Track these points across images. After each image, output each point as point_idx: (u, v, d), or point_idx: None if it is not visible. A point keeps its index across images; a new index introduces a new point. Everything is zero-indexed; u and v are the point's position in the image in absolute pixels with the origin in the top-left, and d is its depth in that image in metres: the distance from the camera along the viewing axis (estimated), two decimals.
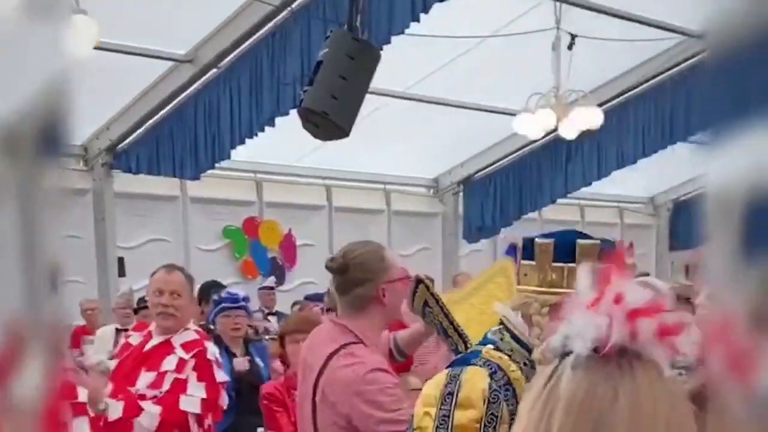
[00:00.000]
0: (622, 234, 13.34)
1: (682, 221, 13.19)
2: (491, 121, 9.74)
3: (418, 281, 3.07)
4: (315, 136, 5.49)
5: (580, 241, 2.17)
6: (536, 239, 2.22)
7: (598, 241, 2.17)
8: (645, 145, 9.96)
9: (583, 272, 1.19)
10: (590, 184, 10.66)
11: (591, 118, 8.75)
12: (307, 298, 8.66)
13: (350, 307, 3.03)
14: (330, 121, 5.22)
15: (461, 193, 11.26)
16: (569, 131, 8.88)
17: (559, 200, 11.24)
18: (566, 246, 2.17)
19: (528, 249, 2.21)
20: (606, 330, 1.12)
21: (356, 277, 3.02)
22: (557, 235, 2.21)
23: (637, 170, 10.85)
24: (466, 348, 2.77)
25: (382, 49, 5.93)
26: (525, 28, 7.95)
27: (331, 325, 3.13)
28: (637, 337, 1.13)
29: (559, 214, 12.40)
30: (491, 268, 3.59)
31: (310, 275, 9.95)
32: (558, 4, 7.83)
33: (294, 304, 8.62)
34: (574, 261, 2.12)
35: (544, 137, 9.44)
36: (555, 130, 8.89)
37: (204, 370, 4.03)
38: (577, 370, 1.13)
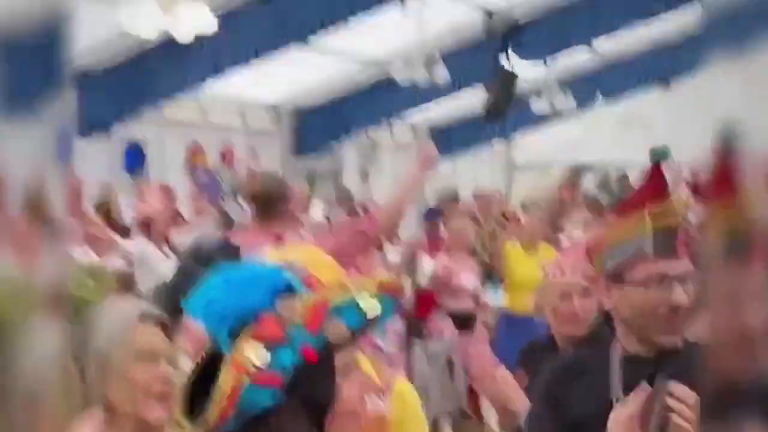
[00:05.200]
0: (246, 138, 13.29)
1: (306, 126, 13.33)
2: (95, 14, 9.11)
3: None
4: None
5: None
6: None
7: None
8: (260, 46, 9.84)
9: None
10: (206, 82, 10.44)
11: (204, 20, 8.53)
12: None
13: None
14: None
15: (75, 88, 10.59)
16: (181, 32, 8.60)
17: (179, 99, 10.95)
18: None
19: None
20: None
21: None
22: None
23: (258, 75, 10.75)
24: None
25: None
26: None
27: None
28: None
29: (180, 113, 12.10)
30: None
31: None
32: None
33: None
34: None
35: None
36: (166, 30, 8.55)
37: None
38: None
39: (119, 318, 2.22)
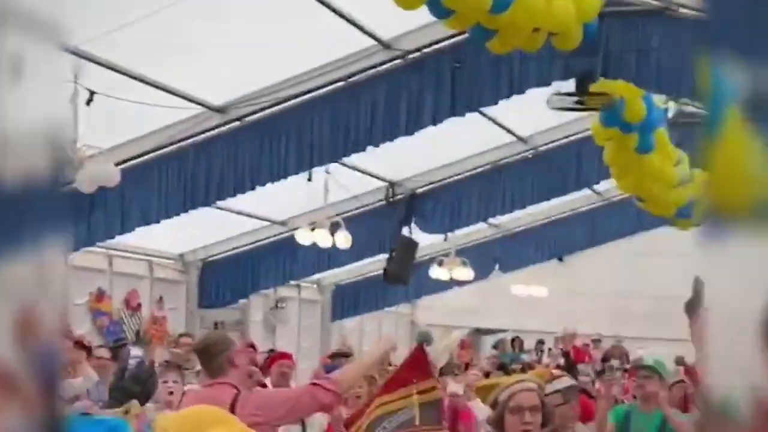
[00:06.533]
0: (152, 287, 13.45)
1: (211, 280, 13.57)
2: None
3: None
4: None
5: None
6: None
7: None
8: (168, 206, 10.14)
9: None
10: (113, 237, 10.66)
11: (107, 174, 8.79)
12: None
13: None
14: None
15: None
16: (86, 185, 8.84)
17: (86, 248, 11.11)
18: None
19: None
20: None
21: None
22: None
23: (167, 227, 11.01)
24: None
25: None
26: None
27: None
28: None
29: (87, 261, 12.25)
30: None
31: None
32: (76, 58, 7.82)
33: None
34: None
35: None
36: (72, 182, 8.79)
37: None
38: None
39: None
